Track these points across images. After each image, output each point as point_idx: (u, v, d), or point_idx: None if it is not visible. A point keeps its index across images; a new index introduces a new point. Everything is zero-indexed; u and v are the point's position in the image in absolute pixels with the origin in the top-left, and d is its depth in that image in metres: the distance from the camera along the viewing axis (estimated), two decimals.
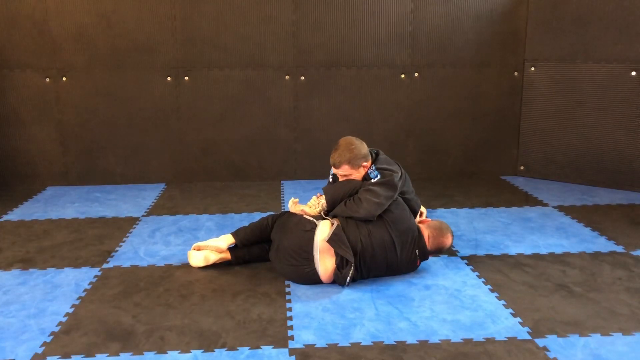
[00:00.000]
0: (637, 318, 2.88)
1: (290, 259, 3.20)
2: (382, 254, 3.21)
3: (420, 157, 5.43)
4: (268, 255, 3.45)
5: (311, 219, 3.29)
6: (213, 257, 3.45)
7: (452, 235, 3.44)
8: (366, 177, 3.34)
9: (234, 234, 3.51)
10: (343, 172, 3.35)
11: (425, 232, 3.36)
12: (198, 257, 3.45)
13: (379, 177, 3.29)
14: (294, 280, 3.27)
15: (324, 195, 3.36)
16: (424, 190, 5.03)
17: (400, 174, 3.39)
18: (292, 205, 3.42)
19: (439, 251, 3.42)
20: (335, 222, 3.25)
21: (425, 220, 3.56)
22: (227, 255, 3.48)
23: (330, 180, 3.56)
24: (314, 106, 5.26)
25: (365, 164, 3.33)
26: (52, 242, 3.92)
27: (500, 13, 5.17)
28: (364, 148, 3.34)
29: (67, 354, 2.60)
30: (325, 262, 3.17)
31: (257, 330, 2.78)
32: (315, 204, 3.37)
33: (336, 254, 3.16)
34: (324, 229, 3.22)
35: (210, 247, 3.46)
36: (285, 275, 3.31)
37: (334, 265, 3.17)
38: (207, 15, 5.02)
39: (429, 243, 3.35)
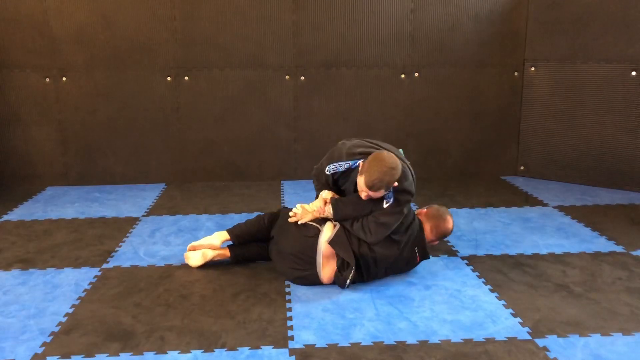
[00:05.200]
0: (637, 318, 2.88)
1: (292, 262, 3.20)
2: (383, 255, 3.20)
3: (420, 157, 5.43)
4: (267, 254, 3.45)
5: (315, 224, 3.26)
6: (210, 253, 3.44)
7: (452, 217, 3.46)
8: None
9: (229, 231, 3.50)
10: (376, 195, 3.03)
11: (427, 226, 3.38)
12: (196, 257, 3.45)
13: (392, 200, 3.09)
14: (294, 282, 3.27)
15: (329, 206, 3.21)
16: (423, 190, 5.03)
17: (413, 191, 3.18)
18: (298, 216, 3.26)
19: (443, 237, 3.49)
20: (338, 224, 3.24)
21: (421, 210, 3.51)
22: (226, 252, 3.47)
23: (328, 172, 3.24)
24: (314, 106, 5.26)
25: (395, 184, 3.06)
26: (52, 242, 3.92)
27: (500, 13, 5.17)
28: (400, 167, 3.06)
29: (67, 354, 2.60)
30: (327, 266, 3.17)
31: (257, 330, 2.78)
32: (320, 210, 3.22)
33: (337, 256, 3.16)
34: (326, 232, 3.21)
35: (204, 245, 3.47)
36: (285, 275, 3.31)
37: (334, 269, 3.17)
38: (207, 15, 5.02)
39: (432, 234, 3.38)
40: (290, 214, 3.28)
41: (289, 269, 3.22)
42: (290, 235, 3.24)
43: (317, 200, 3.30)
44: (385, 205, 3.10)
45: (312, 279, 3.20)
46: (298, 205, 3.30)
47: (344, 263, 3.15)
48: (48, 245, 3.87)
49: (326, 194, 3.28)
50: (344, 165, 3.19)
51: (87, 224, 4.28)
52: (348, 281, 3.14)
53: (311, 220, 3.27)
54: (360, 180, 3.02)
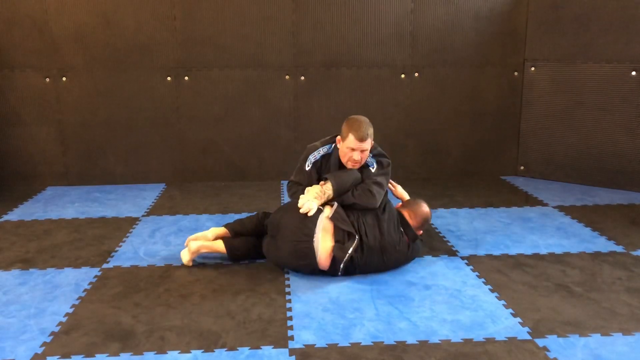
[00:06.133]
0: (637, 318, 2.88)
1: (290, 234, 3.23)
2: (374, 233, 3.28)
3: (420, 157, 5.43)
4: (261, 249, 3.48)
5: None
6: (195, 245, 3.44)
7: (425, 203, 3.62)
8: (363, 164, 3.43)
9: (226, 225, 3.63)
10: (366, 146, 3.33)
11: (405, 213, 3.51)
12: (184, 254, 3.48)
13: (375, 165, 3.42)
14: (288, 261, 3.29)
15: (328, 183, 3.33)
16: (423, 190, 5.03)
17: (386, 154, 3.57)
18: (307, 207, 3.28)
19: (426, 222, 3.57)
20: (336, 203, 3.33)
21: (397, 205, 3.67)
22: (219, 247, 3.48)
23: (307, 169, 3.48)
24: (314, 106, 5.26)
25: None
26: (52, 242, 3.92)
27: (500, 13, 5.17)
28: None
29: (67, 354, 2.60)
30: (325, 242, 3.22)
31: (257, 330, 2.78)
32: (321, 194, 3.32)
33: (337, 231, 3.23)
34: (326, 211, 3.31)
35: (198, 236, 3.54)
36: (279, 257, 3.33)
37: (333, 245, 3.22)
38: (207, 15, 5.02)
39: (412, 219, 3.49)
40: (300, 205, 3.29)
41: (286, 243, 3.24)
42: (291, 210, 3.31)
43: (312, 187, 3.37)
44: (372, 170, 3.42)
45: (309, 254, 3.21)
46: (302, 197, 3.32)
47: (344, 236, 3.22)
48: (48, 245, 3.87)
49: (314, 185, 3.41)
50: (322, 151, 3.50)
51: (87, 224, 4.28)
52: (350, 250, 3.19)
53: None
54: (349, 142, 3.31)
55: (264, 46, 5.10)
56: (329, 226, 3.26)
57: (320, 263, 3.25)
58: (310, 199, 3.30)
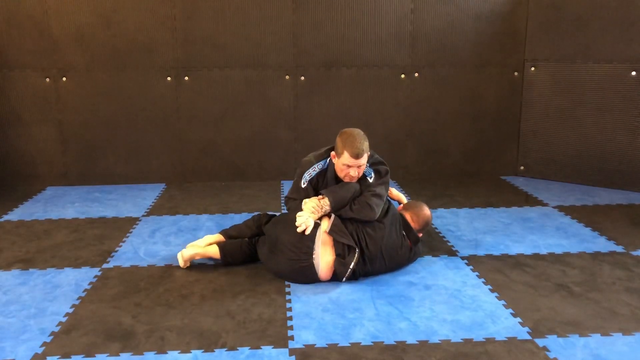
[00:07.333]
0: (637, 318, 2.88)
1: (289, 252, 3.20)
2: (375, 241, 3.26)
3: (420, 157, 5.43)
4: (257, 253, 3.46)
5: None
6: (188, 253, 3.43)
7: (427, 206, 3.63)
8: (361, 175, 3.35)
9: (221, 231, 3.64)
10: (363, 161, 3.24)
11: (407, 216, 3.50)
12: (179, 258, 3.47)
13: (373, 174, 3.35)
14: (289, 277, 3.27)
15: (326, 199, 3.26)
16: (423, 190, 5.03)
17: (384, 161, 3.49)
18: (305, 224, 3.21)
19: (427, 225, 3.57)
20: (333, 215, 3.29)
21: (399, 207, 3.67)
22: (215, 253, 3.46)
23: (303, 186, 3.38)
24: (314, 106, 5.26)
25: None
26: (52, 242, 3.92)
27: (500, 13, 5.17)
28: None
29: (67, 354, 2.60)
30: (325, 256, 3.19)
31: (257, 330, 2.78)
32: (318, 208, 3.25)
33: (337, 244, 3.19)
34: (324, 224, 3.27)
35: (193, 244, 3.53)
36: (279, 272, 3.30)
37: (333, 258, 3.19)
38: (207, 15, 5.02)
39: (414, 222, 3.49)
40: (298, 224, 3.21)
41: (285, 261, 3.21)
42: (288, 226, 3.25)
43: (309, 201, 3.28)
44: (370, 180, 3.34)
45: (308, 271, 3.19)
46: (298, 216, 3.23)
47: (344, 249, 3.19)
48: (48, 245, 3.87)
49: (311, 198, 3.33)
50: (317, 167, 3.41)
51: (87, 224, 4.28)
52: (352, 264, 3.17)
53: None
54: (344, 159, 3.22)
55: (264, 46, 5.10)
56: (328, 239, 3.22)
57: (322, 277, 3.23)
58: (307, 215, 3.21)
